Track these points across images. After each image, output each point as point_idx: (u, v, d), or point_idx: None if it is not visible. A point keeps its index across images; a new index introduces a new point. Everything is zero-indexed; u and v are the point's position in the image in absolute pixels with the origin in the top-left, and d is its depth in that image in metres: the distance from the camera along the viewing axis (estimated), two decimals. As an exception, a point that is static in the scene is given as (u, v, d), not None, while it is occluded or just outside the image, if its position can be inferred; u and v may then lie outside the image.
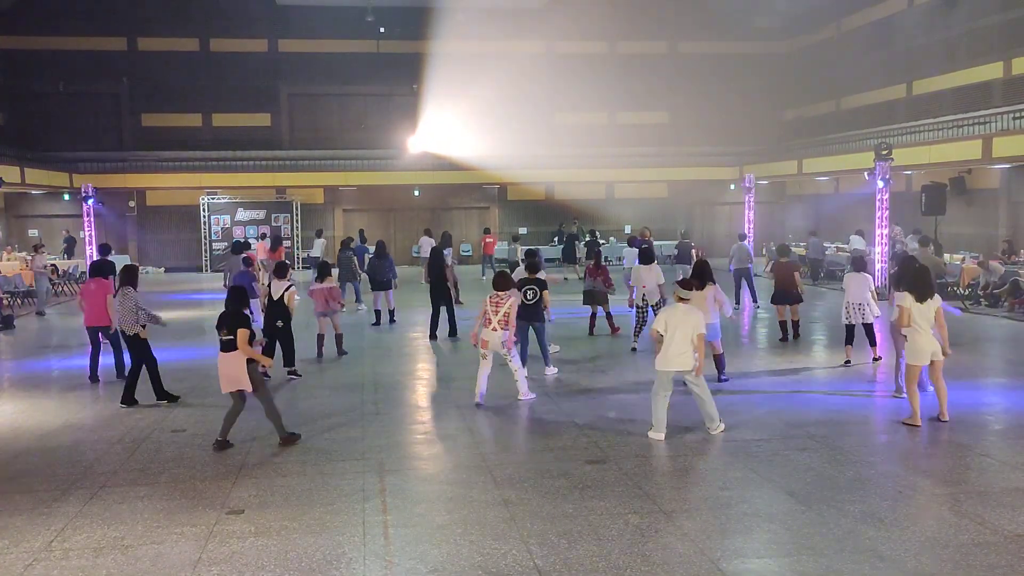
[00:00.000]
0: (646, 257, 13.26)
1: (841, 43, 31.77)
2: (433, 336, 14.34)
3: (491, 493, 6.72)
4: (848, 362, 11.57)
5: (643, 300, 12.92)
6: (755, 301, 17.57)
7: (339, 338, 12.95)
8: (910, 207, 23.09)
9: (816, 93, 33.05)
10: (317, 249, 24.69)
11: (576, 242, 26.77)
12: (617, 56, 34.30)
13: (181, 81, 32.14)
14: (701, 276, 10.15)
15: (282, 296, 11.12)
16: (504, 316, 9.29)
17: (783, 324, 13.65)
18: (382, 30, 31.80)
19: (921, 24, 27.35)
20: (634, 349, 12.81)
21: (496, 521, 6.13)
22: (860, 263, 11.66)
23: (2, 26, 30.02)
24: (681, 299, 8.17)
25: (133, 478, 7.20)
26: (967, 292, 18.44)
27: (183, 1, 31.70)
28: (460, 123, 29.85)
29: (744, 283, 17.73)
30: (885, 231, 19.21)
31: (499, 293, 9.45)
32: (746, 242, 18.90)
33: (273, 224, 30.74)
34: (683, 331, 7.90)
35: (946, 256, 20.11)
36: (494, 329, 9.27)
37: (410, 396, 10.30)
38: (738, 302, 17.33)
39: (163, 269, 30.72)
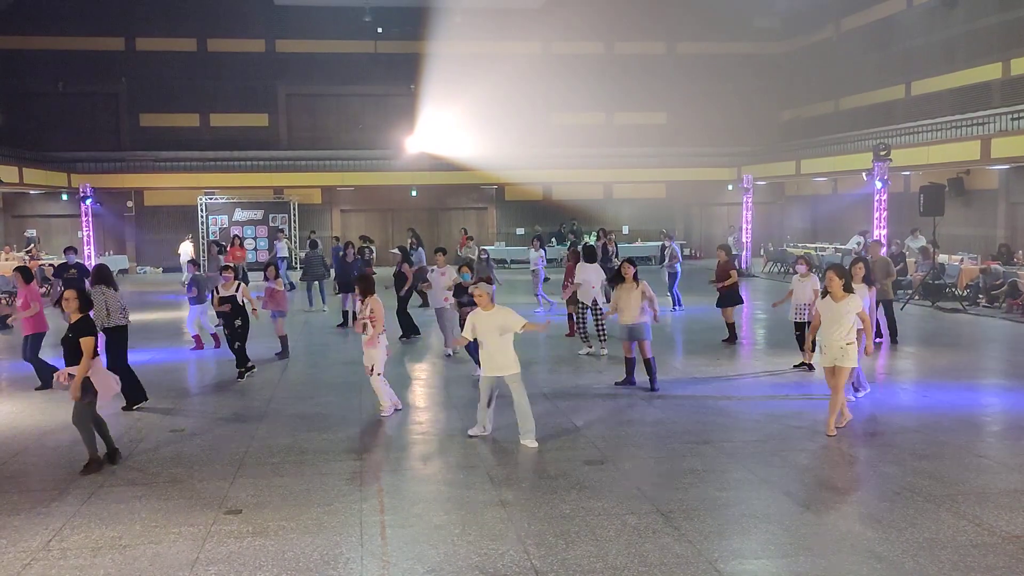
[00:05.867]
0: (590, 255, 13.04)
1: (840, 43, 31.81)
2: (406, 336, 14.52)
3: (488, 493, 6.71)
4: (807, 365, 11.28)
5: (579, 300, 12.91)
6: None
7: (283, 340, 12.97)
8: (908, 208, 23.12)
9: (814, 93, 33.08)
10: (283, 250, 24.85)
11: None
12: (615, 56, 34.32)
13: (179, 81, 32.17)
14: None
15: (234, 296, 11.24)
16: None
17: (731, 326, 13.58)
18: (380, 30, 31.82)
19: (920, 25, 27.39)
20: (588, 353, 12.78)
21: (494, 521, 6.12)
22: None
23: (1, 26, 29.99)
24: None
25: (131, 478, 7.19)
26: (964, 293, 18.45)
27: (181, 1, 31.71)
28: (457, 123, 29.87)
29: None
30: (884, 231, 19.23)
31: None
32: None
33: (271, 223, 30.66)
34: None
35: (943, 257, 20.14)
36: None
37: (408, 397, 10.30)
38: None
39: (160, 269, 30.71)
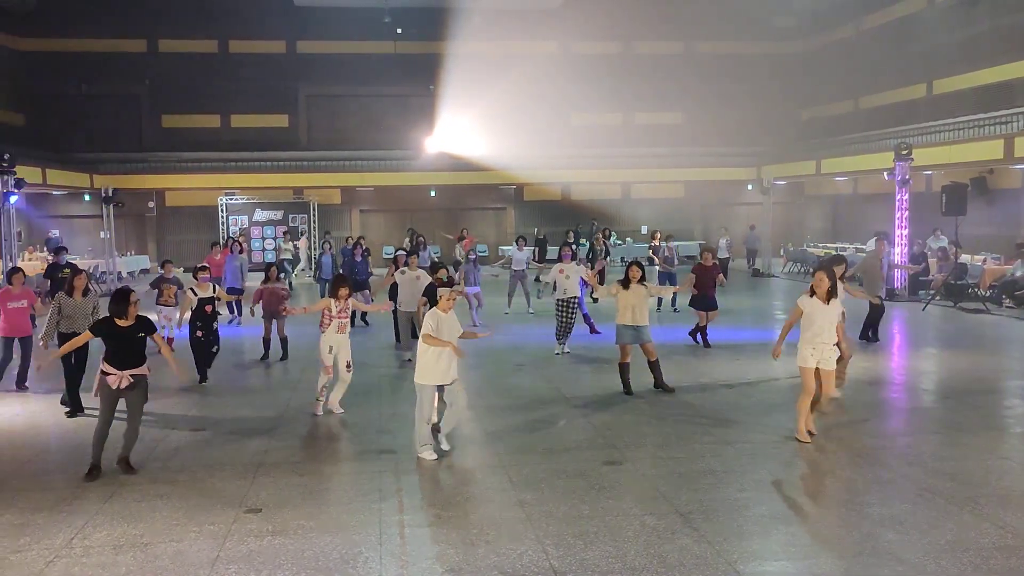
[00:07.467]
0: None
1: (860, 42, 31.56)
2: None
3: (507, 494, 6.72)
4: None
5: (564, 295, 12.83)
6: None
7: (283, 341, 12.66)
8: (930, 207, 22.90)
9: (834, 93, 32.85)
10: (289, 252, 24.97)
11: (547, 245, 26.87)
12: (633, 56, 34.24)
13: (200, 82, 32.43)
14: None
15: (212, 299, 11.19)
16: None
17: (702, 330, 13.34)
18: (399, 31, 31.91)
19: (941, 23, 27.12)
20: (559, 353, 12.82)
21: (512, 522, 6.13)
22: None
23: (24, 28, 30.39)
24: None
25: (152, 476, 7.25)
26: (988, 294, 18.25)
27: (202, 3, 31.96)
28: (476, 124, 29.91)
29: None
30: (905, 232, 19.08)
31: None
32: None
33: (291, 224, 30.83)
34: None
35: (966, 257, 19.93)
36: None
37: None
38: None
39: (182, 269, 30.93)
